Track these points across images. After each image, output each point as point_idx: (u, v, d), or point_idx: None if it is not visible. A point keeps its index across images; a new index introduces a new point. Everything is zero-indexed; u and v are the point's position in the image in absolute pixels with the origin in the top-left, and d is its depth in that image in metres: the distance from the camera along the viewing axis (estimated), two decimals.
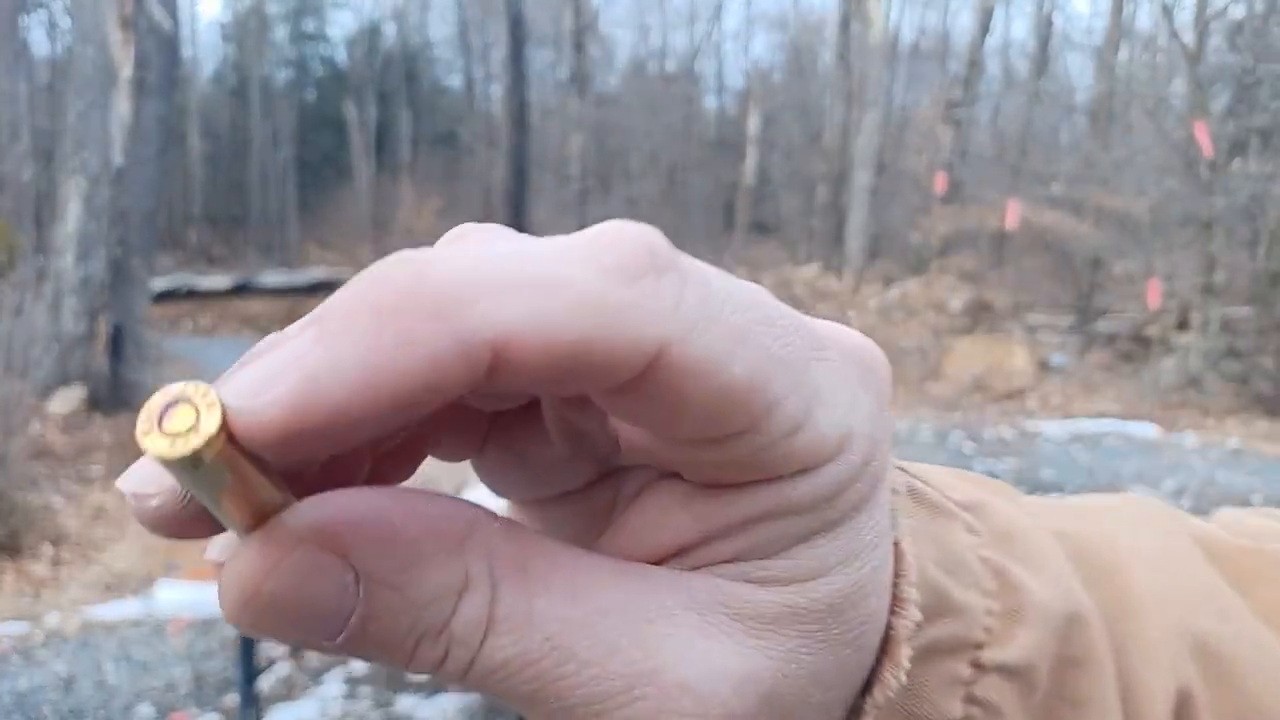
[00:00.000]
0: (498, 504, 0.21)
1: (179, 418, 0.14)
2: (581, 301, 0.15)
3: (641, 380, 0.15)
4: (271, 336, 0.15)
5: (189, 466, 0.14)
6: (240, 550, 0.15)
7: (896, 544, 0.20)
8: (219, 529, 0.16)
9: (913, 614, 0.20)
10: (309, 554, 0.15)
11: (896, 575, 0.20)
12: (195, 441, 0.14)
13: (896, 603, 0.20)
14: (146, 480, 0.16)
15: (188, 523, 0.16)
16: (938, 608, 0.21)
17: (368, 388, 0.14)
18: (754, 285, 0.18)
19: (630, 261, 0.16)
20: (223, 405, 0.14)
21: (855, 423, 0.18)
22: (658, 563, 0.18)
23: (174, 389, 0.14)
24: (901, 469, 0.23)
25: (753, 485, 0.17)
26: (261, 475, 0.15)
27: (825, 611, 0.18)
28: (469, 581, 0.16)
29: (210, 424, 0.14)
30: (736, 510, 0.18)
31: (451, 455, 0.21)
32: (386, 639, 0.16)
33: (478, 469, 0.22)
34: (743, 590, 0.18)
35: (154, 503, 0.16)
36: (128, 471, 0.16)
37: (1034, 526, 0.25)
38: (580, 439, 0.20)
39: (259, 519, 0.15)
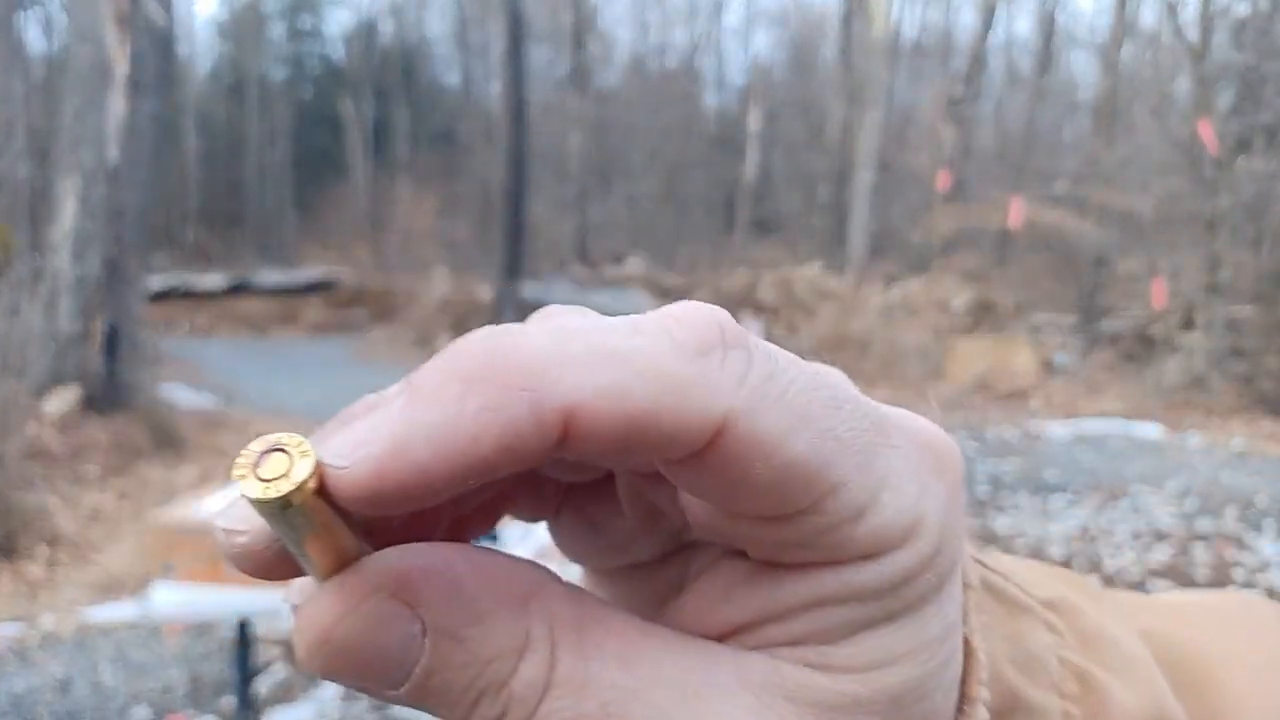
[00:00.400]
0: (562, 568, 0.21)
1: (273, 464, 0.15)
2: (650, 373, 0.15)
3: (706, 453, 0.16)
4: (368, 398, 0.16)
5: (277, 510, 0.15)
6: (317, 595, 0.16)
7: (967, 640, 0.20)
8: (300, 572, 0.17)
9: (980, 714, 0.20)
10: (381, 602, 0.16)
11: (966, 672, 0.20)
12: (286, 487, 0.15)
13: (964, 701, 0.20)
14: (239, 518, 0.17)
15: (271, 563, 0.17)
16: (1010, 708, 0.20)
17: (450, 452, 0.15)
18: (825, 368, 0.18)
19: (699, 337, 0.16)
20: (316, 457, 0.15)
21: (925, 511, 0.18)
22: (718, 640, 0.18)
23: (271, 437, 0.15)
24: (979, 561, 0.22)
25: (817, 568, 0.17)
26: (343, 525, 0.16)
27: (887, 704, 0.18)
28: (530, 642, 0.16)
29: (301, 472, 0.15)
30: (799, 592, 0.18)
31: (528, 517, 0.22)
32: (448, 692, 0.16)
33: (553, 534, 0.22)
34: (801, 674, 0.17)
35: (242, 540, 0.17)
36: (223, 508, 0.17)
37: (1124, 631, 0.23)
38: (651, 512, 0.20)
39: (338, 566, 0.16)
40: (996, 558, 0.23)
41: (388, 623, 0.16)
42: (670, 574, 0.21)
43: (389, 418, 0.15)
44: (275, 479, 0.15)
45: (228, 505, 0.17)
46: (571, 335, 0.16)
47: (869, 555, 0.17)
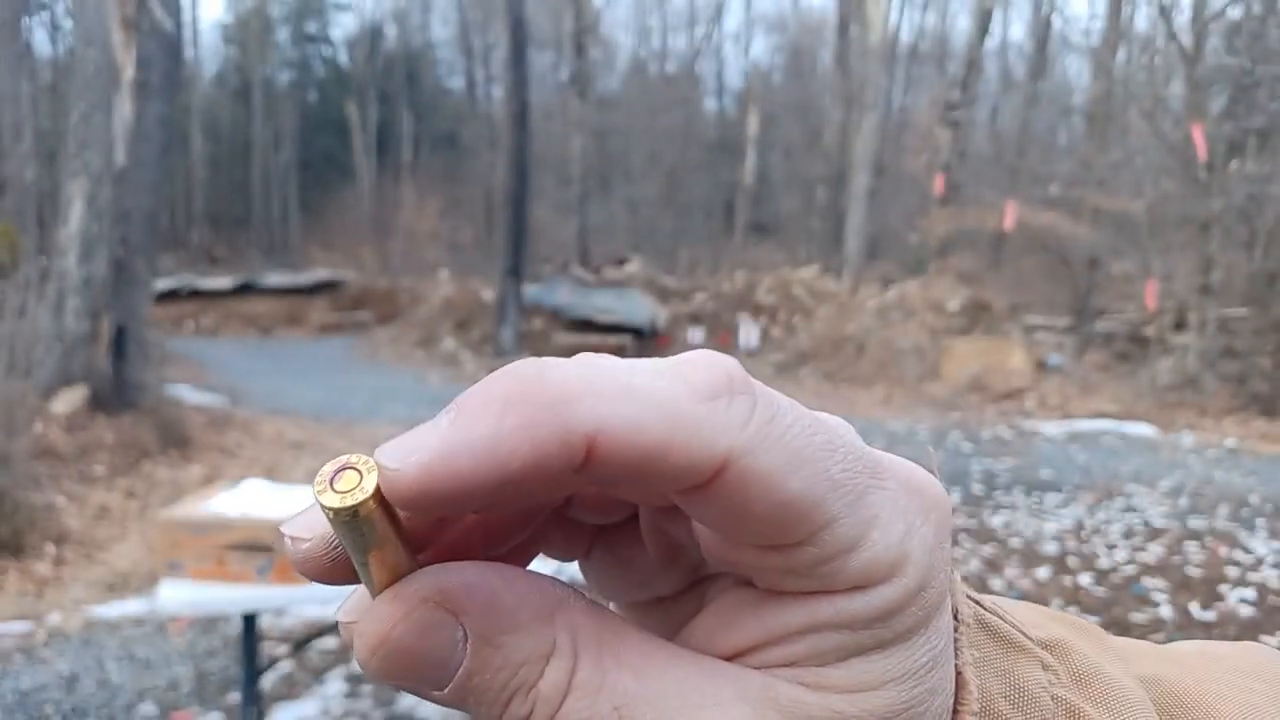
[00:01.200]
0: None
1: (346, 480, 0.17)
2: (664, 410, 0.17)
3: (711, 485, 0.18)
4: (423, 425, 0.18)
5: (349, 518, 0.17)
6: (375, 604, 0.18)
7: (960, 672, 0.21)
8: (352, 578, 0.19)
9: None
10: (430, 611, 0.18)
11: (958, 703, 0.21)
12: (359, 496, 0.17)
13: None
14: (304, 527, 0.19)
15: (328, 568, 0.19)
16: None
17: (488, 462, 0.17)
18: (828, 416, 0.20)
19: (710, 383, 0.18)
20: (379, 471, 0.17)
21: (911, 549, 0.19)
22: (724, 659, 0.20)
23: (343, 458, 0.18)
24: (975, 601, 0.24)
25: (813, 596, 0.19)
26: (398, 541, 0.18)
27: None
28: (555, 649, 0.18)
29: (370, 484, 0.17)
30: (796, 617, 0.19)
31: (561, 557, 0.25)
32: (485, 692, 0.18)
33: (584, 571, 0.25)
34: (795, 691, 0.19)
35: (305, 546, 0.19)
36: (290, 518, 0.20)
37: (1121, 673, 0.24)
38: (670, 548, 0.23)
39: (392, 578, 0.18)
40: (995, 599, 0.25)
41: (435, 628, 0.18)
42: (688, 606, 0.23)
43: (437, 430, 0.17)
44: (349, 491, 0.17)
45: (293, 515, 0.20)
46: (600, 372, 0.18)
47: (859, 587, 0.19)
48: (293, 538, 0.19)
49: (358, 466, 0.18)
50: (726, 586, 0.21)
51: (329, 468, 0.18)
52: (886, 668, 0.19)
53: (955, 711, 0.21)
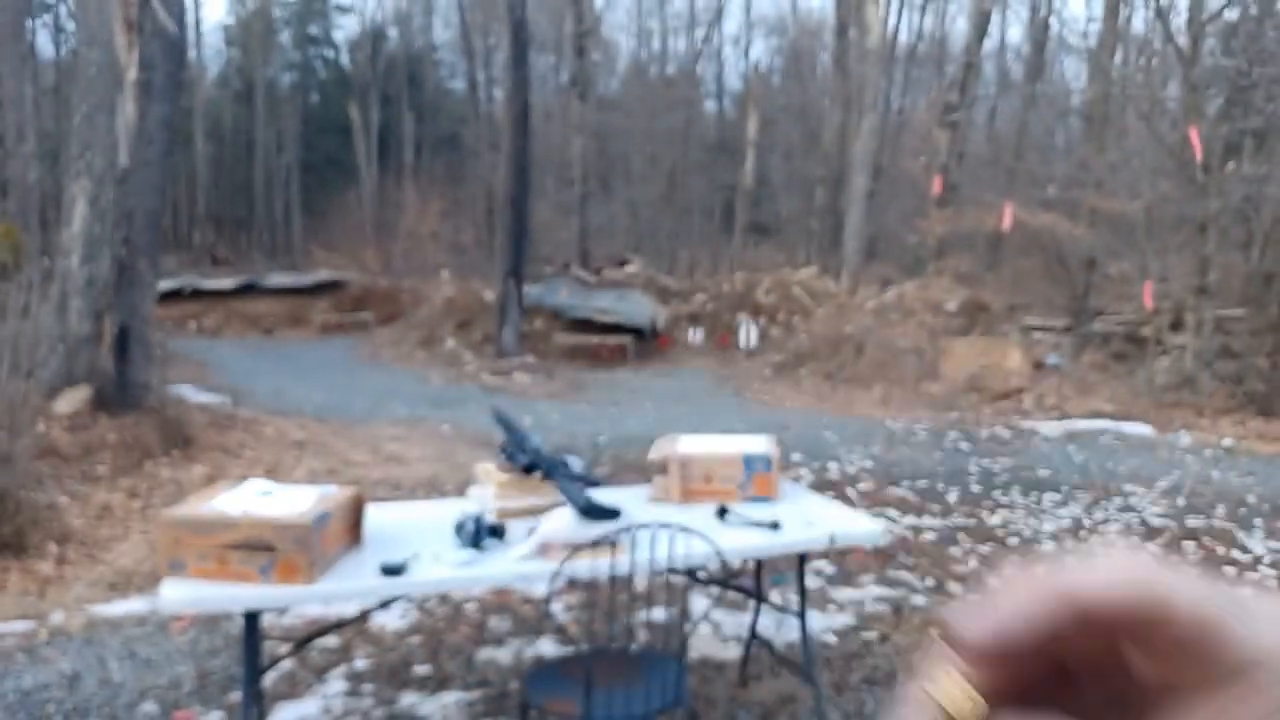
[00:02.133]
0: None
1: (947, 684, 0.26)
2: (1128, 575, 0.25)
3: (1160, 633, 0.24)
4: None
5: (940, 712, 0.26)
6: None
7: None
8: None
9: None
10: None
11: None
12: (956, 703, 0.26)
13: None
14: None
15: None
16: None
17: (1017, 625, 0.25)
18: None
19: (1149, 561, 0.25)
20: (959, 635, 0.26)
21: None
22: None
23: (934, 670, 0.26)
24: None
25: None
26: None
27: None
28: None
29: (956, 691, 0.26)
30: None
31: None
32: None
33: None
34: None
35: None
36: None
37: None
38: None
39: None
40: None
41: None
42: None
43: (987, 611, 0.25)
44: (950, 691, 0.26)
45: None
46: (1082, 561, 0.25)
47: None
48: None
49: (944, 672, 0.26)
50: None
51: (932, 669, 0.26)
52: None
53: None
